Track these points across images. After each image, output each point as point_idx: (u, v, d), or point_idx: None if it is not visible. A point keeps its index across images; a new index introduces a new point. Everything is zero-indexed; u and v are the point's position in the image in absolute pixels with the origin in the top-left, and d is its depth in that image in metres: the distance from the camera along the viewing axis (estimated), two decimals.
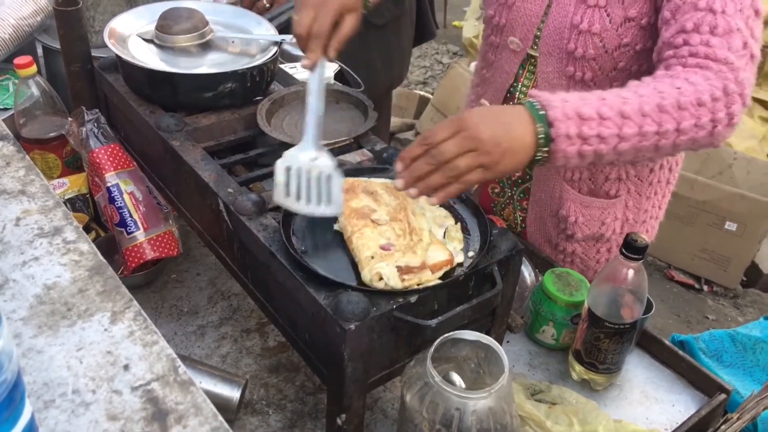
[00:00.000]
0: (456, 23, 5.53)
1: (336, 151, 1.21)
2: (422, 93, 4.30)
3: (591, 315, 1.16)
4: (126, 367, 0.62)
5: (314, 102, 1.02)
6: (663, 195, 1.45)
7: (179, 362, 0.63)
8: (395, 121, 3.97)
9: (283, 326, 1.05)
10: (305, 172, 0.98)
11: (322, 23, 1.05)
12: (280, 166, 0.99)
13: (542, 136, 0.94)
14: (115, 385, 0.61)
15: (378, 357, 0.93)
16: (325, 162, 0.99)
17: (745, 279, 3.19)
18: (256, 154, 1.21)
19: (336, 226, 1.03)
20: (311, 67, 1.04)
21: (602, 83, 1.27)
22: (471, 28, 4.14)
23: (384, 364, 0.95)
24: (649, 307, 1.23)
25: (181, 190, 1.22)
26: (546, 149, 0.95)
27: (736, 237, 3.05)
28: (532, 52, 1.33)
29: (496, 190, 1.54)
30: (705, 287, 3.17)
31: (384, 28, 2.16)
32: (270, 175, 1.18)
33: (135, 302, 0.70)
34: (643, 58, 1.23)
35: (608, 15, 1.21)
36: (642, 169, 1.37)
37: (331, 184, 0.98)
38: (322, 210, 0.98)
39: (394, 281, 0.91)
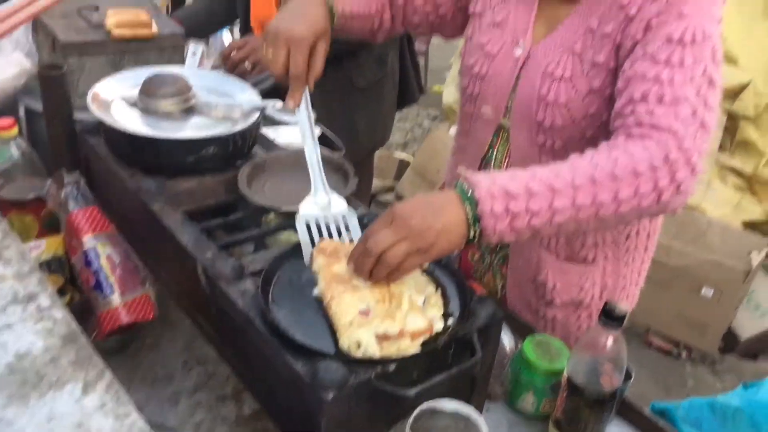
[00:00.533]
0: (436, 88, 5.64)
1: None
2: (402, 156, 4.35)
3: (571, 384, 1.15)
4: None
5: (310, 145, 1.04)
6: (642, 261, 1.46)
7: None
8: (376, 183, 4.00)
9: (259, 394, 1.04)
10: (324, 223, 1.01)
11: (297, 62, 1.09)
12: (300, 225, 1.02)
13: (471, 214, 0.97)
14: None
15: (356, 427, 0.92)
16: (338, 204, 1.01)
17: (723, 345, 3.20)
18: (236, 218, 1.22)
19: (316, 291, 1.02)
20: (295, 107, 1.07)
21: (572, 152, 1.29)
22: (451, 93, 4.23)
23: None
24: (628, 375, 1.23)
25: (160, 254, 1.22)
26: (477, 227, 0.98)
27: (713, 303, 3.07)
28: (505, 122, 1.35)
29: (476, 257, 1.54)
30: (683, 353, 3.18)
31: (366, 90, 2.20)
32: (250, 239, 1.18)
33: (108, 372, 0.68)
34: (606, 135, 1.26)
35: (574, 87, 1.24)
36: (618, 235, 1.39)
37: (349, 225, 1.03)
38: None
39: (373, 349, 0.91)
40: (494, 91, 1.34)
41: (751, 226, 3.32)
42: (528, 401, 1.26)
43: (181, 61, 1.65)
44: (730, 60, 3.37)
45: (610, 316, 1.09)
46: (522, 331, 1.38)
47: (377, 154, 4.22)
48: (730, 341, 3.22)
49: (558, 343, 1.28)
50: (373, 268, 0.97)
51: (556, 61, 1.25)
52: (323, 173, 1.04)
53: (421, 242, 0.96)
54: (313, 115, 1.09)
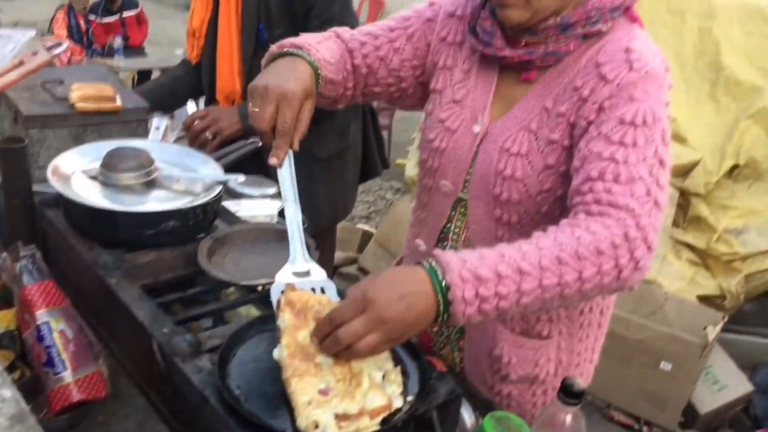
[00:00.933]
0: (399, 161, 5.73)
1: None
2: (365, 228, 4.37)
3: None
4: None
5: (291, 207, 1.03)
6: (596, 338, 1.47)
7: None
8: (338, 255, 4.00)
9: None
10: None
11: (286, 118, 1.08)
12: (275, 293, 0.98)
13: (441, 299, 0.98)
14: None
15: None
16: (318, 273, 0.99)
17: (683, 420, 3.21)
18: (194, 293, 1.21)
19: (276, 352, 0.99)
20: (279, 165, 1.06)
21: (528, 226, 1.31)
22: (413, 167, 4.29)
23: None
24: None
25: (115, 329, 1.20)
26: (446, 312, 0.98)
27: (672, 377, 3.10)
28: (463, 196, 1.38)
29: (434, 329, 1.54)
30: (644, 428, 3.17)
31: (328, 161, 2.22)
32: (208, 314, 1.17)
33: None
34: (565, 203, 1.29)
35: (529, 163, 1.27)
36: (573, 311, 1.40)
37: (329, 295, 0.99)
38: None
39: (331, 430, 0.89)
40: (453, 166, 1.37)
41: (705, 300, 3.39)
42: None
43: (145, 134, 1.66)
44: (681, 139, 3.50)
45: (568, 393, 1.10)
46: (482, 406, 1.37)
47: (340, 225, 4.24)
48: (690, 416, 3.24)
49: (517, 420, 1.27)
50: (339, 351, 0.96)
51: (513, 138, 1.29)
52: (303, 238, 1.03)
53: (393, 333, 0.95)
54: (295, 178, 1.07)
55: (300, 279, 1.00)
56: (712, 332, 3.04)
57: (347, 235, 4.29)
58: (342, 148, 2.25)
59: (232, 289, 1.27)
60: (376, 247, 3.92)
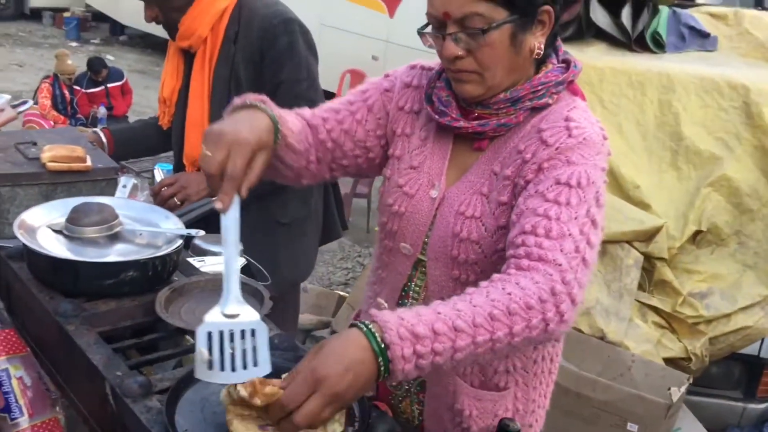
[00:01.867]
0: (377, 228, 5.82)
1: None
2: (342, 293, 4.42)
3: None
4: None
5: (231, 253, 1.05)
6: (547, 384, 1.53)
7: None
8: (312, 319, 4.04)
9: None
10: (228, 333, 0.99)
11: (236, 164, 1.10)
12: (201, 334, 0.99)
13: (381, 358, 1.02)
14: None
15: None
16: (249, 316, 1.01)
17: None
18: (149, 339, 1.26)
19: (222, 395, 1.01)
20: (225, 210, 1.08)
21: None
22: None
23: None
24: None
25: (72, 375, 1.24)
26: (386, 369, 1.03)
27: None
28: (422, 257, 1.44)
29: (393, 383, 1.58)
30: None
31: (289, 226, 2.29)
32: (162, 358, 1.23)
33: None
34: None
35: (483, 225, 1.34)
36: (527, 361, 1.46)
37: (256, 341, 0.99)
38: (249, 374, 0.98)
39: None
40: (412, 229, 1.43)
41: (672, 362, 3.44)
42: None
43: (113, 193, 1.74)
44: (644, 206, 3.60)
45: None
46: None
47: (317, 291, 4.28)
48: None
49: None
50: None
51: (467, 201, 1.36)
52: (239, 282, 1.05)
53: (345, 403, 1.02)
54: (239, 224, 1.08)
55: (229, 320, 1.02)
56: (677, 393, 3.09)
57: (324, 300, 4.33)
58: (304, 215, 2.33)
59: (189, 336, 1.33)
60: (348, 310, 3.96)
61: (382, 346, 1.02)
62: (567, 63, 1.38)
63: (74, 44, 11.70)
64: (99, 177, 1.71)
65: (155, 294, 1.33)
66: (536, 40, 1.30)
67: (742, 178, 3.58)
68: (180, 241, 1.41)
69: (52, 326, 1.24)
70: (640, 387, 3.16)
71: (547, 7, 1.28)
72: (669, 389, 3.09)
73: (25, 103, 1.66)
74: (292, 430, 0.99)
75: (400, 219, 1.45)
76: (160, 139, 2.32)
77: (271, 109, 1.26)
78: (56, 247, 1.35)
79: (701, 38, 4.06)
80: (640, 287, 3.65)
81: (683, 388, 3.14)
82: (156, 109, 2.34)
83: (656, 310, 3.61)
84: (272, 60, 2.04)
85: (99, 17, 12.95)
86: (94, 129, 2.18)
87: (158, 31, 10.92)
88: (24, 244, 1.32)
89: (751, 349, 3.51)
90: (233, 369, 0.99)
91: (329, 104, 1.50)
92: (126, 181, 1.69)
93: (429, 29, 1.34)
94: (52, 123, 6.97)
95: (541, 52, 1.32)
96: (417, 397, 1.54)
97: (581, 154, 1.27)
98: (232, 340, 1.00)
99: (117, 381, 1.08)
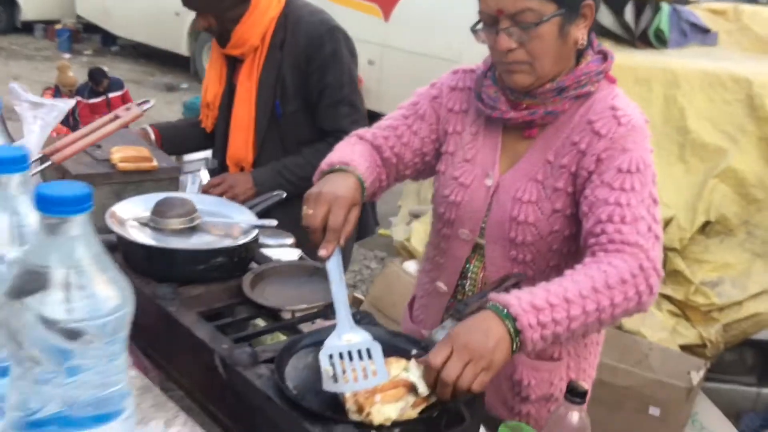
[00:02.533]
0: (382, 231, 5.92)
1: (311, 315, 1.38)
2: (357, 295, 4.52)
3: None
4: None
5: (338, 289, 1.18)
6: (595, 356, 1.65)
7: None
8: None
9: None
10: (347, 354, 1.11)
11: (337, 217, 1.25)
12: (323, 357, 1.12)
13: (512, 329, 1.16)
14: None
15: None
16: (363, 338, 1.14)
17: None
18: (241, 318, 1.36)
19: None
20: (328, 257, 1.22)
21: (540, 263, 1.50)
22: (401, 231, 4.48)
23: None
24: None
25: (174, 353, 1.34)
26: (518, 339, 1.16)
27: (661, 422, 3.23)
28: (480, 241, 1.55)
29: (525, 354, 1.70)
30: None
31: None
32: (259, 333, 1.33)
33: (182, 413, 0.81)
34: (571, 241, 1.48)
35: (539, 208, 1.47)
36: None
37: (373, 356, 1.11)
38: (369, 384, 1.08)
39: (377, 408, 1.04)
40: (470, 216, 1.55)
41: (687, 349, 3.55)
42: None
43: (175, 190, 1.84)
44: None
45: (573, 393, 1.26)
46: (492, 424, 1.52)
47: None
48: None
49: (528, 428, 1.42)
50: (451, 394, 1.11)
51: (523, 188, 1.48)
52: (350, 317, 1.17)
53: (483, 362, 1.12)
54: (342, 266, 1.23)
55: (347, 343, 1.14)
56: (696, 377, 3.20)
57: None
58: None
59: (258, 320, 1.44)
60: (369, 309, 4.06)
61: (506, 313, 1.16)
62: (604, 54, 1.50)
63: (67, 56, 11.74)
64: (163, 176, 1.82)
65: (238, 279, 1.44)
66: (579, 32, 1.43)
67: (747, 169, 3.68)
68: (256, 231, 1.52)
69: (151, 309, 1.34)
70: (658, 373, 3.27)
71: (589, 2, 1.41)
72: (689, 373, 3.20)
73: (147, 102, 1.76)
74: (445, 390, 1.10)
75: (457, 208, 1.56)
76: (202, 139, 2.42)
77: (356, 169, 1.40)
78: (144, 238, 1.45)
79: (702, 34, 4.18)
80: None
81: (702, 372, 3.25)
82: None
83: (670, 299, 3.72)
84: (318, 66, 2.15)
85: (90, 29, 12.97)
86: (143, 126, 2.26)
87: (150, 40, 10.80)
88: (119, 235, 1.42)
89: (763, 335, 3.59)
90: (356, 380, 1.09)
91: (387, 122, 1.63)
92: (193, 178, 1.79)
93: (480, 26, 1.46)
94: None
95: (585, 43, 1.45)
96: None
97: (633, 140, 1.39)
98: (351, 359, 1.12)
99: (225, 352, 1.19)
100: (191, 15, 9.06)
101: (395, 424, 1.05)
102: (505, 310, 1.17)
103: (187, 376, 1.32)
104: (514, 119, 1.49)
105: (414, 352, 1.24)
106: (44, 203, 0.70)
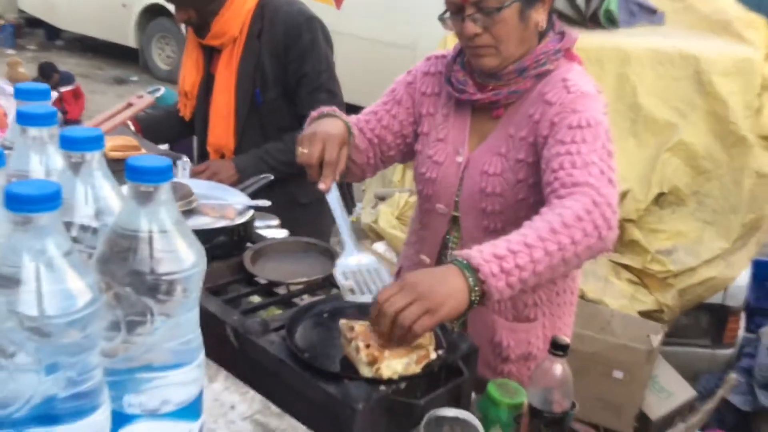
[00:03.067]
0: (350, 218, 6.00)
1: (309, 288, 1.47)
2: None
3: (531, 408, 1.41)
4: (232, 407, 0.81)
5: (341, 217, 1.30)
6: (569, 316, 1.78)
7: (269, 402, 0.83)
8: None
9: None
10: (358, 273, 1.25)
11: (332, 153, 1.37)
12: (338, 274, 1.26)
13: (472, 280, 1.20)
14: (229, 418, 0.79)
15: None
16: (369, 261, 1.27)
17: (637, 426, 3.51)
18: (246, 292, 1.45)
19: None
20: (328, 190, 1.35)
21: (510, 230, 1.59)
22: (368, 215, 4.58)
23: None
24: (573, 405, 1.50)
25: None
26: (477, 289, 1.20)
27: (624, 384, 3.40)
28: (456, 213, 1.67)
29: (490, 305, 1.79)
30: None
31: (309, 206, 2.48)
32: (262, 306, 1.42)
33: (223, 369, 0.90)
34: (538, 208, 1.59)
35: (505, 180, 1.58)
36: (551, 294, 1.70)
37: (380, 275, 1.25)
38: None
39: (386, 361, 1.15)
40: (444, 191, 1.67)
41: (646, 314, 3.73)
42: None
43: None
44: None
45: (556, 347, 1.37)
46: (481, 385, 1.63)
47: None
48: (643, 423, 3.54)
49: (515, 384, 1.54)
50: (391, 330, 1.14)
51: (489, 162, 1.60)
52: (355, 240, 1.30)
53: (429, 304, 1.15)
54: (340, 197, 1.37)
55: (357, 263, 1.25)
56: (655, 339, 3.38)
57: None
58: (321, 194, 2.51)
59: (254, 296, 1.53)
60: None
61: (467, 264, 1.21)
62: (562, 34, 1.61)
63: (10, 51, 11.46)
64: None
65: (238, 257, 1.52)
66: (539, 16, 1.54)
67: (697, 142, 3.86)
68: (252, 211, 1.60)
69: None
70: (620, 338, 3.44)
71: None
72: (648, 336, 3.38)
73: (158, 89, 1.81)
74: (384, 325, 1.15)
75: (433, 184, 1.68)
76: (181, 127, 2.48)
77: (341, 115, 1.52)
78: None
79: (650, 14, 4.34)
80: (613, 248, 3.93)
81: (660, 335, 3.43)
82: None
83: (628, 268, 3.89)
84: (297, 55, 2.23)
85: (33, 23, 12.65)
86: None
87: (96, 33, 10.52)
88: None
89: (715, 299, 3.79)
90: (370, 291, 1.24)
91: (368, 109, 1.75)
92: (183, 164, 1.85)
93: (447, 15, 1.56)
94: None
95: (544, 25, 1.56)
96: None
97: (582, 104, 1.48)
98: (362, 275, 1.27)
99: (237, 323, 1.27)
100: (139, 6, 8.97)
101: (401, 378, 1.15)
102: (466, 262, 1.21)
103: None
104: (482, 100, 1.60)
105: None
106: (14, 201, 0.70)
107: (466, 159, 1.63)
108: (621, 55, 4.01)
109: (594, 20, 4.18)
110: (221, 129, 2.30)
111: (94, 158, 0.90)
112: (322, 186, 1.33)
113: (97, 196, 0.90)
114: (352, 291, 1.22)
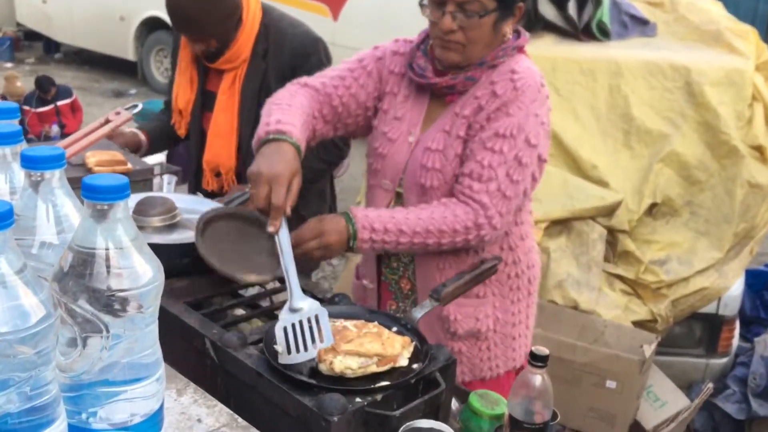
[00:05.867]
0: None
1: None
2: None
3: (511, 419, 1.41)
4: (199, 420, 0.82)
5: (288, 261, 1.31)
6: (527, 304, 1.83)
7: (237, 416, 0.84)
8: None
9: None
10: (298, 324, 1.22)
11: (278, 195, 1.39)
12: (278, 331, 1.22)
13: (352, 235, 1.54)
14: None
15: None
16: (311, 306, 1.25)
17: None
18: (227, 305, 1.45)
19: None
20: (276, 232, 1.34)
21: None
22: None
23: None
24: (554, 416, 1.50)
25: (163, 342, 1.42)
26: (354, 241, 1.54)
27: (617, 394, 3.41)
28: (399, 190, 1.75)
29: (393, 307, 1.85)
30: None
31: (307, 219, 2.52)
32: (242, 319, 1.43)
33: (192, 383, 0.90)
34: None
35: (444, 156, 1.67)
36: (501, 276, 1.77)
37: (321, 322, 1.23)
38: (320, 347, 1.22)
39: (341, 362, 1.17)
40: (392, 167, 1.75)
41: (639, 324, 3.74)
42: None
43: (150, 191, 1.91)
44: (603, 184, 3.89)
45: (535, 359, 1.38)
46: (463, 395, 1.64)
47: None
48: None
49: (495, 395, 1.54)
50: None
51: (433, 138, 1.69)
52: (298, 282, 1.30)
53: (329, 251, 1.55)
54: (289, 238, 1.40)
55: (297, 314, 1.26)
56: (648, 349, 3.38)
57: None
58: (320, 208, 2.57)
59: (238, 309, 1.54)
60: None
61: (353, 223, 1.54)
62: (518, 32, 1.72)
63: (9, 65, 11.51)
64: (138, 177, 1.89)
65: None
66: (508, 28, 1.66)
67: (689, 152, 3.88)
68: None
69: None
70: (614, 348, 3.44)
71: (521, 4, 1.64)
72: (641, 346, 3.38)
73: (136, 106, 1.83)
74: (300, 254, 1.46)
75: (383, 159, 1.76)
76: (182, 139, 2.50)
77: (291, 137, 1.52)
78: None
79: (642, 25, 4.37)
80: (606, 259, 3.93)
81: (653, 345, 3.43)
82: None
83: (622, 278, 3.90)
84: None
85: (31, 36, 12.71)
86: (133, 129, 2.32)
87: (95, 46, 10.50)
88: None
89: (709, 308, 3.80)
90: (306, 349, 1.22)
91: (333, 72, 1.80)
92: (169, 179, 1.87)
93: (426, 2, 1.64)
94: None
95: (510, 36, 1.67)
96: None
97: (518, 105, 1.61)
98: (301, 328, 1.25)
99: (216, 337, 1.28)
100: (137, 19, 8.95)
101: (379, 389, 1.16)
102: (353, 219, 1.54)
103: (177, 364, 1.39)
104: (439, 84, 1.68)
105: (394, 329, 1.35)
106: None
107: (416, 139, 1.72)
108: (613, 67, 4.04)
109: (586, 32, 4.21)
110: (220, 147, 2.32)
111: (54, 176, 0.91)
112: (270, 229, 1.37)
113: (59, 214, 0.91)
114: (288, 351, 1.21)
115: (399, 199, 1.75)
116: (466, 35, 1.60)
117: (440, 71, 1.70)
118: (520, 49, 1.71)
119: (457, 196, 1.60)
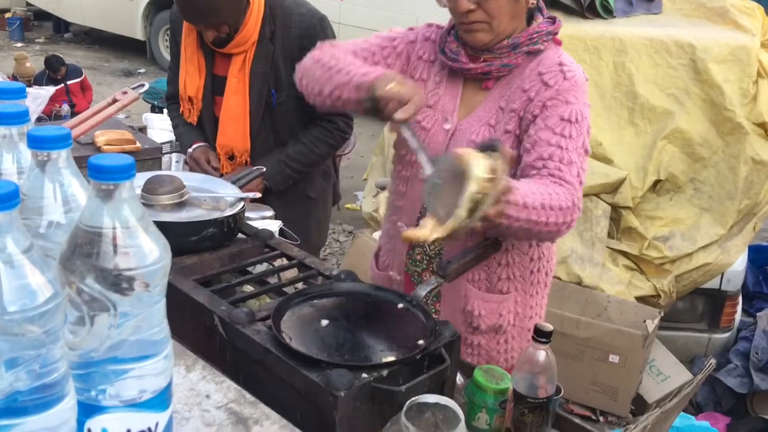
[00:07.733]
0: (349, 206, 6.05)
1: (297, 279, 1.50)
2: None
3: (515, 394, 1.44)
4: (208, 396, 0.84)
5: (413, 143, 1.45)
6: (542, 296, 1.84)
7: (245, 391, 0.86)
8: None
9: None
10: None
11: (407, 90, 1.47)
12: (426, 195, 1.41)
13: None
14: (204, 407, 0.83)
15: (361, 422, 1.17)
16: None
17: (633, 409, 3.55)
18: (236, 282, 1.48)
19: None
20: (407, 119, 1.48)
21: None
22: (369, 203, 4.61)
23: None
24: (558, 390, 1.53)
25: (172, 318, 1.45)
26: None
27: (620, 368, 3.44)
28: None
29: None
30: (601, 418, 3.50)
31: (316, 199, 2.58)
32: (251, 296, 1.45)
33: (200, 359, 0.93)
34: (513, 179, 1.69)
35: None
36: (524, 272, 1.76)
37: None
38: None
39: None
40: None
41: (643, 300, 3.76)
42: (482, 420, 1.53)
43: (159, 169, 1.94)
44: (608, 161, 3.90)
45: (539, 334, 1.41)
46: (468, 371, 1.67)
47: None
48: (639, 406, 3.58)
49: (500, 370, 1.57)
50: None
51: (477, 131, 1.66)
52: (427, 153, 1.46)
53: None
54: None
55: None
56: (651, 324, 3.41)
57: None
58: (325, 187, 2.59)
59: (247, 286, 1.57)
60: None
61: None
62: (552, 18, 1.69)
63: (19, 45, 11.50)
64: (147, 156, 1.92)
65: (228, 248, 1.55)
66: None
67: (693, 129, 3.88)
68: (242, 203, 1.63)
69: None
70: (617, 323, 3.48)
71: None
72: (645, 321, 3.41)
73: (143, 85, 1.85)
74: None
75: None
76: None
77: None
78: None
79: (647, 2, 4.34)
80: (610, 235, 3.95)
81: (656, 320, 3.46)
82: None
83: (625, 254, 3.92)
84: None
85: (41, 16, 12.69)
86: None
87: (104, 26, 10.47)
88: None
89: (712, 284, 3.82)
90: None
91: (365, 44, 1.77)
92: (178, 157, 1.89)
93: None
94: None
95: (535, 2, 1.64)
96: (434, 307, 1.80)
97: (575, 95, 1.60)
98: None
99: (224, 313, 1.31)
100: None
101: (385, 365, 1.19)
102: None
103: (186, 340, 1.42)
104: (473, 70, 1.66)
105: (400, 305, 1.37)
106: None
107: (454, 127, 1.69)
108: (618, 44, 4.03)
109: (591, 9, 4.18)
110: (233, 130, 2.34)
111: (60, 156, 0.93)
112: (402, 116, 1.45)
113: (66, 194, 0.93)
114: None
115: None
116: (486, 10, 1.57)
117: (473, 56, 1.67)
118: (555, 36, 1.68)
119: (544, 180, 1.51)
